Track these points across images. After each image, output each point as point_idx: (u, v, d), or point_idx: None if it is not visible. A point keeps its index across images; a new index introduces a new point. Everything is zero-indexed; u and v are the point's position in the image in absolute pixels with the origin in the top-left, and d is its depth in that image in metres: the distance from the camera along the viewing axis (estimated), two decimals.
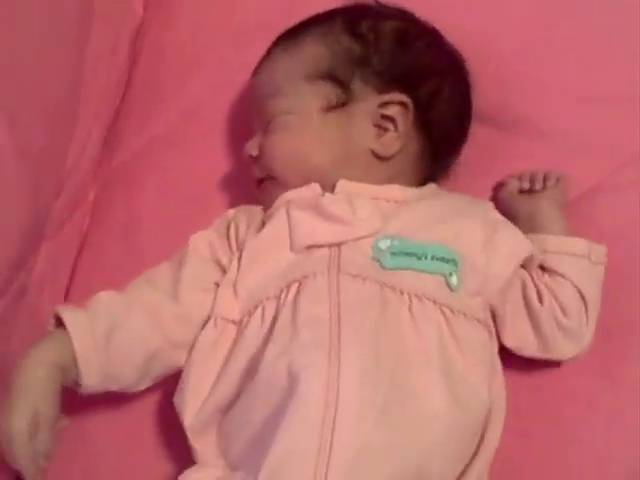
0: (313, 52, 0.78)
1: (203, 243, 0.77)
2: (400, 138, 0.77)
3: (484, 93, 0.84)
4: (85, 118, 0.88)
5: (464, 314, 0.71)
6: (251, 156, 0.80)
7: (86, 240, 0.90)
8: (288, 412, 0.63)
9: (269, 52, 0.83)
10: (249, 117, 0.86)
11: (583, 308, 0.76)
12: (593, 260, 0.77)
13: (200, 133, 0.92)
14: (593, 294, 0.77)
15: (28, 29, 0.74)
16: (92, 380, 0.69)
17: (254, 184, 0.81)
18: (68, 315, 0.68)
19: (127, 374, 0.71)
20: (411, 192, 0.77)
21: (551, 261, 0.77)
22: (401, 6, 0.82)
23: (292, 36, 0.81)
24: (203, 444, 0.70)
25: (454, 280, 0.71)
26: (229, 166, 0.90)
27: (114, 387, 0.72)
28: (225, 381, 0.69)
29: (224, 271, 0.75)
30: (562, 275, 0.76)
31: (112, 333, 0.70)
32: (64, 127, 0.84)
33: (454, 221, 0.74)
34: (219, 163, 0.90)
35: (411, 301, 0.69)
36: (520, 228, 0.78)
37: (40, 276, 0.80)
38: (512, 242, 0.75)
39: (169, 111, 0.93)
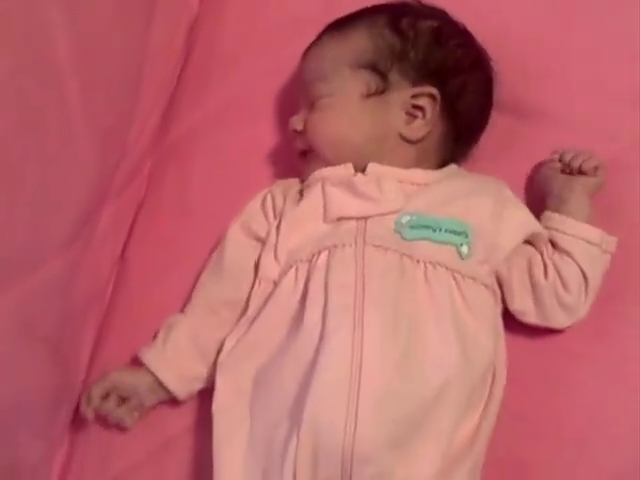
0: (358, 43, 0.86)
1: (239, 227, 0.87)
2: (427, 125, 0.85)
3: (504, 84, 0.91)
4: (146, 101, 0.96)
5: (473, 279, 0.79)
6: (295, 130, 0.89)
7: (142, 205, 1.00)
8: (319, 367, 0.72)
9: (319, 39, 0.91)
10: (289, 100, 0.96)
11: (584, 287, 0.83)
12: (603, 249, 0.84)
13: (244, 114, 1.01)
14: (595, 278, 0.84)
15: (99, 22, 0.83)
16: (183, 390, 0.85)
17: (297, 155, 0.90)
18: (144, 355, 0.85)
19: (203, 371, 0.84)
20: (432, 175, 0.85)
21: (566, 242, 0.84)
22: (436, 5, 0.89)
23: (340, 27, 0.89)
24: (225, 383, 0.80)
25: (464, 249, 0.79)
26: (269, 142, 0.99)
27: (201, 385, 0.85)
28: (260, 323, 0.79)
29: (263, 243, 0.84)
30: (571, 256, 0.83)
31: (179, 351, 0.84)
32: (128, 107, 0.92)
33: (468, 198, 0.82)
34: (260, 140, 0.99)
35: (426, 268, 0.78)
36: (549, 203, 0.86)
37: (103, 232, 0.90)
38: (519, 218, 0.83)
39: (217, 95, 1.02)
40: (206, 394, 0.84)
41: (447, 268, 0.78)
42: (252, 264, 0.84)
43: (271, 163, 0.98)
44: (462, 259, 0.79)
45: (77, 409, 0.88)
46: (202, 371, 0.84)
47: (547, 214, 0.86)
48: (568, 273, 0.83)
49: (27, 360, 0.75)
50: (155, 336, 0.87)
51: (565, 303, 0.83)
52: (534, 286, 0.84)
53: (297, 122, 0.89)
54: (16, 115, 0.71)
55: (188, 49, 1.06)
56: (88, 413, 0.84)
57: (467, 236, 0.80)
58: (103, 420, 0.87)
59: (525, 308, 0.84)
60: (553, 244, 0.85)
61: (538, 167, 0.91)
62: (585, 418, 0.83)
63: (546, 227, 0.85)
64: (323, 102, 0.86)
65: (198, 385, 0.85)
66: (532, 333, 0.86)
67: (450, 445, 0.75)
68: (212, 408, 0.79)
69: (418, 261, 0.78)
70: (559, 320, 0.84)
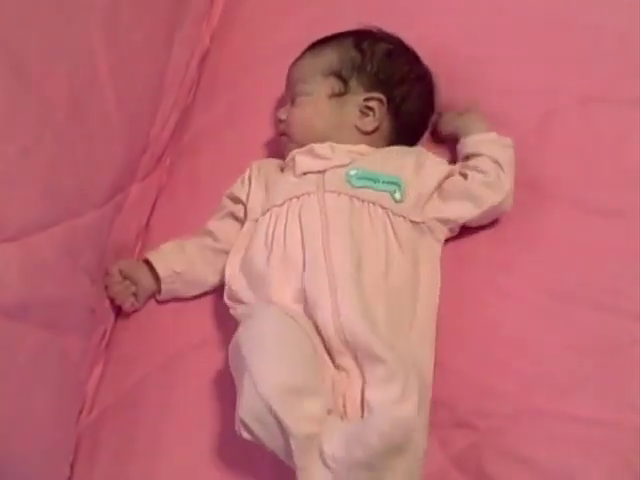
0: (330, 57, 1.12)
1: (228, 194, 1.14)
2: (375, 121, 1.09)
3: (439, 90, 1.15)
4: (165, 109, 1.25)
5: (402, 217, 1.03)
6: (280, 119, 1.15)
7: (163, 188, 1.28)
8: (307, 269, 0.97)
9: (302, 54, 1.16)
10: (274, 108, 1.24)
11: (499, 167, 1.05)
12: (503, 143, 1.08)
13: (241, 118, 1.28)
14: (505, 159, 1.06)
15: (132, 47, 1.14)
16: (164, 271, 1.13)
17: (279, 136, 1.16)
18: (151, 257, 1.13)
19: (183, 269, 1.12)
20: (373, 150, 1.10)
21: (472, 148, 1.08)
22: (393, 33, 1.14)
23: (317, 45, 1.15)
24: (236, 287, 1.03)
25: (397, 196, 1.03)
26: (259, 140, 1.25)
27: (178, 286, 1.13)
28: (252, 246, 1.04)
29: (239, 202, 1.12)
30: (480, 154, 1.07)
31: (168, 250, 1.14)
32: (150, 112, 1.22)
33: (398, 159, 1.07)
34: (253, 138, 1.25)
35: (369, 206, 1.02)
36: (459, 135, 1.11)
37: (131, 203, 1.16)
38: (434, 169, 1.07)
39: (221, 105, 1.30)
40: (205, 327, 1.12)
41: (382, 207, 1.03)
42: (227, 212, 1.13)
43: (259, 155, 1.25)
44: (395, 202, 1.03)
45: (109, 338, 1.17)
46: (182, 269, 1.12)
47: (458, 147, 1.11)
48: (483, 164, 1.06)
49: (71, 277, 1.01)
50: None
51: (488, 183, 1.05)
52: (464, 191, 1.06)
53: (282, 113, 1.14)
54: (70, 105, 1.01)
55: (200, 71, 1.36)
56: (106, 280, 1.11)
57: (400, 186, 1.04)
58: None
59: (466, 210, 1.06)
60: (465, 157, 1.08)
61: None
62: (488, 327, 1.05)
63: (463, 154, 1.10)
64: (300, 99, 1.12)
65: (176, 283, 1.13)
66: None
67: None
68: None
69: (363, 201, 1.03)
70: (492, 198, 1.05)
